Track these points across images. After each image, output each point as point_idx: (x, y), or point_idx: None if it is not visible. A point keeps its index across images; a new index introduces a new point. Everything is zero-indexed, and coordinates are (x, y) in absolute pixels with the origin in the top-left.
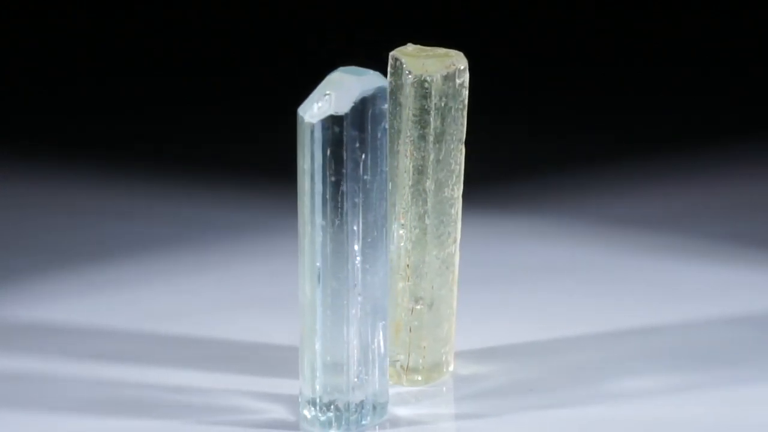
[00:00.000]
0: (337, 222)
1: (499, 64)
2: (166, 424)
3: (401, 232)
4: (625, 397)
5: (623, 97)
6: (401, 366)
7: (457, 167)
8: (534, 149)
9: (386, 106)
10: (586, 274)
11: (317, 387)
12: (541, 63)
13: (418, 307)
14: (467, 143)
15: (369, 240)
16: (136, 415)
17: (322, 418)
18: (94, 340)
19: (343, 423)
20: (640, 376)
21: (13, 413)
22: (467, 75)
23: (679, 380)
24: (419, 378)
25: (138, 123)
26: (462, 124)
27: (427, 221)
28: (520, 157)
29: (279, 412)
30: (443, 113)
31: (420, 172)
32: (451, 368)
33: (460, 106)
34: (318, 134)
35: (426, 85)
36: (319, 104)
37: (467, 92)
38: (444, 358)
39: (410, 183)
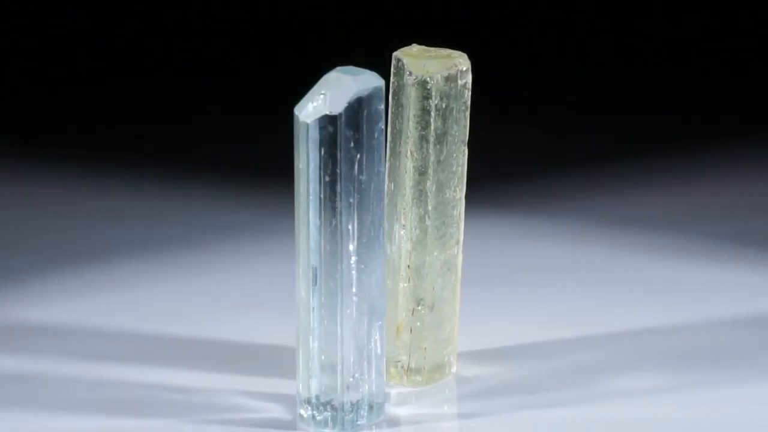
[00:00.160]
0: (332, 222)
1: (499, 64)
2: (164, 423)
3: (402, 233)
4: (625, 397)
5: (623, 97)
6: (402, 367)
7: (460, 168)
8: (534, 149)
9: (382, 106)
10: (586, 274)
11: (313, 387)
12: (541, 63)
13: (419, 308)
14: (467, 144)
15: (364, 240)
16: (134, 415)
17: (319, 418)
18: (94, 340)
19: (339, 423)
20: (640, 377)
21: (13, 413)
22: (470, 76)
23: (680, 380)
24: (420, 379)
25: (138, 123)
26: (464, 126)
27: (428, 222)
28: (520, 157)
29: (276, 411)
30: (444, 114)
31: (421, 173)
32: (453, 369)
33: (463, 108)
34: (312, 134)
35: (427, 85)
36: (314, 104)
37: (470, 93)
38: (446, 359)
39: (411, 184)
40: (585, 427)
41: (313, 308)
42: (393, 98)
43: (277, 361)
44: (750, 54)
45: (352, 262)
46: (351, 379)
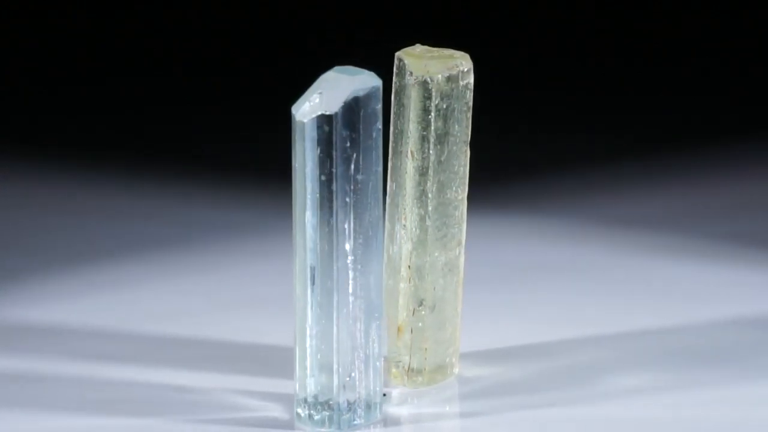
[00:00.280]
0: (328, 221)
1: (498, 64)
2: (162, 423)
3: (403, 233)
4: (625, 397)
5: (623, 97)
6: (403, 367)
7: (461, 169)
8: (534, 149)
9: (380, 106)
10: (586, 274)
11: (310, 386)
12: (541, 63)
13: (420, 308)
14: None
15: (361, 240)
16: (133, 414)
17: (316, 417)
18: (94, 340)
19: (336, 422)
20: (640, 376)
21: (13, 413)
22: (472, 76)
23: (680, 380)
24: (421, 379)
25: (138, 123)
26: (467, 126)
27: (428, 223)
28: (521, 157)
29: (274, 410)
30: (445, 114)
31: (421, 173)
32: (456, 370)
33: (464, 108)
34: (308, 133)
35: (427, 86)
36: (311, 103)
37: (472, 94)
38: (448, 360)
39: (412, 184)
40: (585, 426)
41: (310, 308)
42: (395, 98)
43: (277, 360)
44: (750, 54)
45: (348, 261)
46: (347, 379)
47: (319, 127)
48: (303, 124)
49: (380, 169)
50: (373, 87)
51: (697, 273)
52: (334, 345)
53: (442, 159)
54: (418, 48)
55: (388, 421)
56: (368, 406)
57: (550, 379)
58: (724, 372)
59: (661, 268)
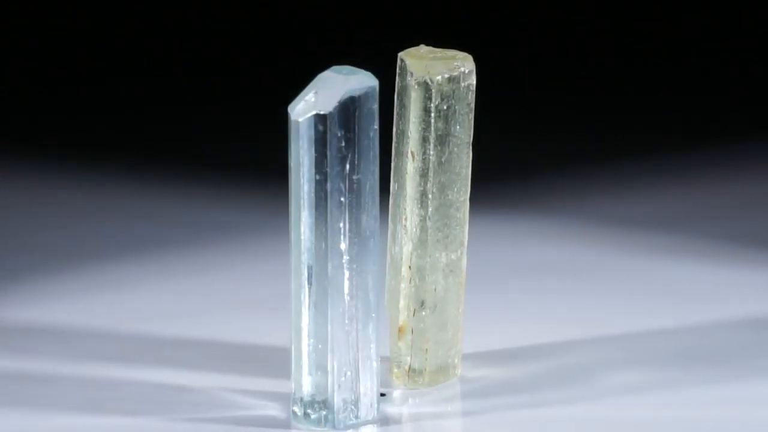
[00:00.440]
0: (322, 221)
1: (498, 64)
2: (160, 421)
3: (403, 233)
4: (626, 397)
5: (623, 97)
6: (404, 368)
7: (463, 170)
8: (534, 149)
9: (376, 106)
10: (586, 274)
11: (306, 385)
12: (541, 63)
13: (421, 309)
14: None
15: (357, 240)
16: (132, 413)
17: (313, 416)
18: (93, 340)
19: (332, 421)
20: (641, 377)
21: (13, 413)
22: (474, 78)
23: (681, 380)
24: (422, 380)
25: (138, 123)
26: (469, 128)
27: (429, 223)
28: (521, 157)
29: (272, 409)
30: (446, 115)
31: (422, 174)
32: (458, 371)
33: (466, 110)
34: (303, 132)
35: (427, 86)
36: (306, 102)
37: (474, 95)
38: (449, 362)
39: (412, 185)
40: (585, 426)
41: (305, 307)
42: (397, 99)
43: (276, 360)
44: (750, 54)
45: (343, 261)
46: (343, 378)
47: (314, 127)
48: (298, 123)
49: (377, 169)
50: (369, 87)
51: (697, 273)
52: (329, 345)
53: (443, 160)
54: (423, 48)
55: (386, 420)
56: (365, 406)
57: (550, 379)
58: (724, 372)
59: (661, 268)
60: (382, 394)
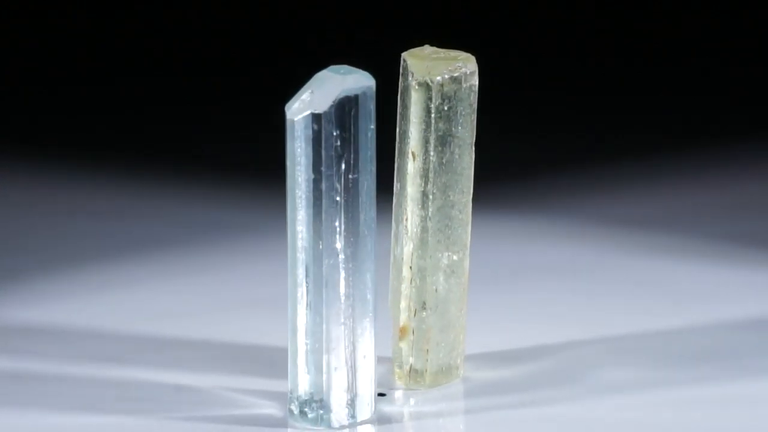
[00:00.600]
0: (317, 220)
1: (498, 64)
2: (159, 420)
3: (405, 234)
4: (626, 397)
5: (623, 97)
6: (405, 368)
7: (466, 171)
8: (534, 149)
9: (373, 106)
10: (586, 274)
11: (302, 384)
12: (541, 63)
13: (422, 310)
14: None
15: (352, 239)
16: (130, 412)
17: (310, 415)
18: (93, 340)
19: (327, 420)
20: (641, 377)
21: (13, 413)
22: (476, 78)
23: (681, 380)
24: (423, 381)
25: (138, 123)
26: (471, 129)
27: (430, 224)
28: (521, 157)
29: (269, 408)
30: (447, 116)
31: (423, 174)
32: (460, 372)
33: (469, 110)
34: (298, 131)
35: (428, 87)
36: (301, 102)
37: (476, 96)
38: (451, 363)
39: (413, 185)
40: (586, 426)
41: (300, 305)
42: (400, 99)
43: (276, 359)
44: (750, 54)
45: (339, 260)
46: (339, 378)
47: (309, 126)
48: (293, 122)
49: (374, 168)
50: (365, 87)
51: (697, 273)
52: (324, 344)
53: (444, 161)
54: (428, 49)
55: (385, 420)
56: (361, 405)
57: (550, 379)
58: (724, 372)
59: (661, 268)
60: (382, 394)
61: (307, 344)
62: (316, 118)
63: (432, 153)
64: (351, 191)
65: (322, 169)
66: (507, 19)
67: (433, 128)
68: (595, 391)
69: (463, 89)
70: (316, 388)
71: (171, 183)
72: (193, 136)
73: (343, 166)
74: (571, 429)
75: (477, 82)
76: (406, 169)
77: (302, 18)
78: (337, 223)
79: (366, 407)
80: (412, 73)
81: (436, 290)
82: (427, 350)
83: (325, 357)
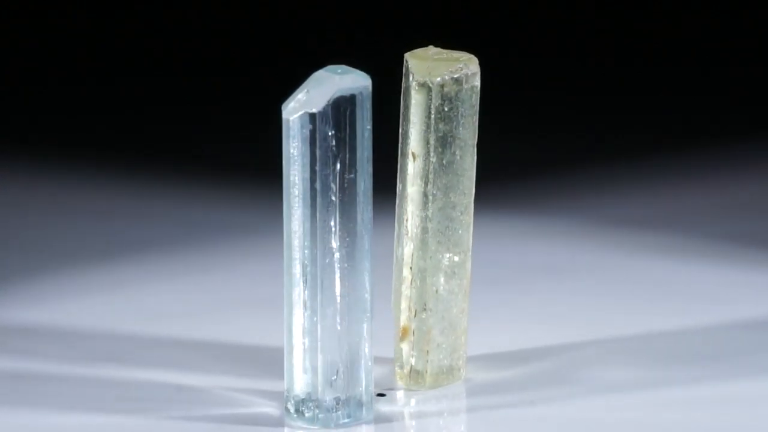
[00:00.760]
0: (312, 218)
1: (498, 64)
2: (156, 419)
3: (405, 234)
4: (626, 396)
5: (623, 97)
6: (406, 369)
7: (467, 172)
8: (534, 149)
9: (369, 106)
10: (586, 274)
11: (299, 383)
12: (541, 63)
13: (422, 311)
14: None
15: (348, 239)
16: (129, 412)
17: (307, 415)
18: (93, 340)
19: (323, 420)
20: (641, 377)
21: (12, 412)
22: (478, 79)
23: (682, 380)
24: (424, 382)
25: (138, 123)
26: (473, 130)
27: (429, 225)
28: (521, 157)
29: (267, 407)
30: (448, 117)
31: (423, 175)
32: (462, 374)
33: (470, 111)
34: (292, 130)
35: (428, 88)
36: (297, 101)
37: (478, 97)
38: (453, 364)
39: (413, 186)
40: (585, 426)
41: (296, 305)
42: (402, 100)
43: (275, 359)
44: (750, 54)
45: (335, 259)
46: (334, 377)
47: (303, 125)
48: (288, 121)
49: (371, 169)
50: (362, 87)
51: (697, 273)
52: (319, 343)
53: (445, 162)
54: (431, 50)
55: (384, 420)
56: (358, 405)
57: (550, 379)
58: (725, 372)
59: (661, 268)
60: (382, 395)
61: (302, 343)
62: (310, 117)
63: (432, 154)
64: (347, 191)
65: (317, 168)
66: (507, 19)
67: (433, 129)
68: (595, 391)
69: (464, 90)
70: (312, 387)
71: (171, 183)
72: (193, 136)
73: (339, 165)
74: (571, 429)
75: (479, 83)
76: (407, 170)
77: (302, 18)
78: (332, 223)
79: (363, 407)
80: (413, 74)
81: (436, 291)
82: (428, 351)
83: (320, 356)
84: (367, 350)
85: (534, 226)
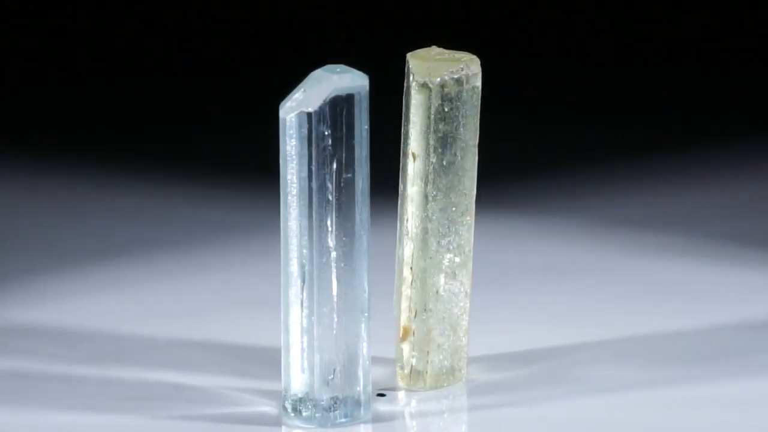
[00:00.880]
0: (308, 218)
1: (498, 64)
2: (155, 418)
3: (405, 234)
4: (626, 396)
5: (623, 97)
6: (406, 369)
7: (468, 173)
8: (534, 149)
9: (366, 105)
10: (586, 274)
11: (296, 383)
12: (541, 63)
13: (423, 311)
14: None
15: (345, 238)
16: (128, 411)
17: (304, 414)
18: (93, 340)
19: (319, 419)
20: (641, 377)
21: (13, 413)
22: (479, 80)
23: (682, 380)
24: (424, 382)
25: (138, 123)
26: (474, 130)
27: (429, 225)
28: (521, 157)
29: (265, 406)
30: (448, 117)
31: (423, 175)
32: (464, 375)
33: (471, 112)
34: (288, 130)
35: (427, 88)
36: (293, 100)
37: (479, 97)
38: (454, 365)
39: (414, 186)
40: (585, 426)
41: (294, 304)
42: (404, 100)
43: (275, 359)
44: (750, 54)
45: (331, 259)
46: (330, 377)
47: (300, 125)
48: (284, 120)
49: (368, 168)
50: (359, 86)
51: (697, 273)
52: (315, 342)
53: (445, 162)
54: (434, 50)
55: (383, 420)
56: (356, 405)
57: (550, 379)
58: (725, 372)
59: (661, 268)
60: (383, 395)
61: (299, 343)
62: (307, 116)
63: (432, 154)
64: (344, 190)
65: (313, 167)
66: (507, 19)
67: (432, 129)
68: (595, 391)
69: (465, 91)
70: (310, 386)
71: (170, 183)
72: (193, 136)
73: (335, 165)
74: (571, 429)
75: (480, 84)
76: (408, 170)
77: (302, 18)
78: (329, 222)
79: (360, 406)
80: (413, 74)
81: (437, 292)
82: (428, 352)
83: (317, 356)
84: (365, 350)
85: (534, 226)
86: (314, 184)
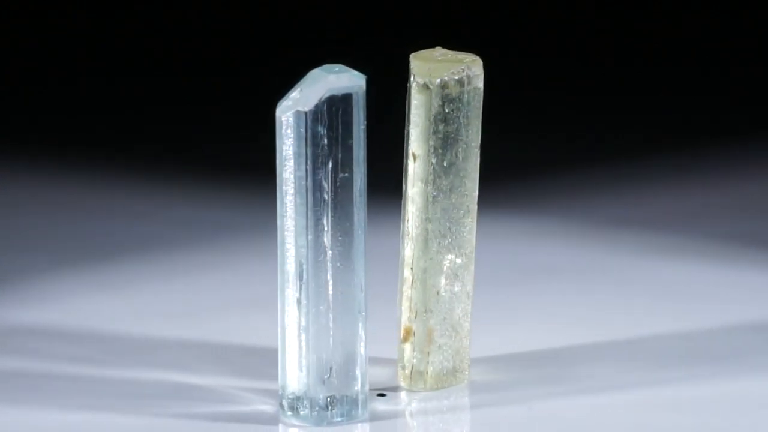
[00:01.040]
0: (304, 217)
1: (498, 64)
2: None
3: (406, 235)
4: (626, 397)
5: (623, 97)
6: (407, 369)
7: (470, 174)
8: (534, 149)
9: (363, 104)
10: (587, 274)
11: (292, 381)
12: (541, 63)
13: (423, 312)
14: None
15: (341, 238)
16: (128, 411)
17: (302, 412)
18: (93, 339)
19: (316, 418)
20: (641, 377)
21: (12, 412)
22: (481, 81)
23: (682, 380)
24: (424, 382)
25: (138, 123)
26: (477, 131)
27: (430, 226)
28: (521, 157)
29: (262, 405)
30: (449, 118)
31: (424, 176)
32: (466, 376)
33: (473, 113)
34: (285, 129)
35: (428, 89)
36: (290, 100)
37: (481, 98)
38: (455, 365)
39: (414, 187)
40: (585, 426)
41: (290, 304)
42: (407, 101)
43: (274, 358)
44: (750, 54)
45: (327, 258)
46: (326, 376)
47: (295, 124)
48: (280, 119)
49: (365, 168)
50: (356, 86)
51: (697, 273)
52: (311, 341)
53: (446, 163)
54: (438, 51)
55: (378, 419)
56: (353, 404)
57: (550, 379)
58: (725, 372)
59: (661, 268)
60: (383, 395)
61: (296, 341)
62: (302, 116)
63: (432, 155)
64: (340, 190)
65: (308, 166)
66: (507, 19)
67: (433, 130)
68: (596, 392)
69: (466, 92)
70: (306, 385)
71: (170, 183)
72: (193, 136)
73: (331, 164)
74: (571, 429)
75: (482, 85)
76: (408, 170)
77: (302, 18)
78: (325, 221)
79: (358, 406)
80: (414, 75)
81: (438, 293)
82: (428, 352)
83: (313, 354)
84: (362, 349)
85: (534, 226)
86: (310, 183)
